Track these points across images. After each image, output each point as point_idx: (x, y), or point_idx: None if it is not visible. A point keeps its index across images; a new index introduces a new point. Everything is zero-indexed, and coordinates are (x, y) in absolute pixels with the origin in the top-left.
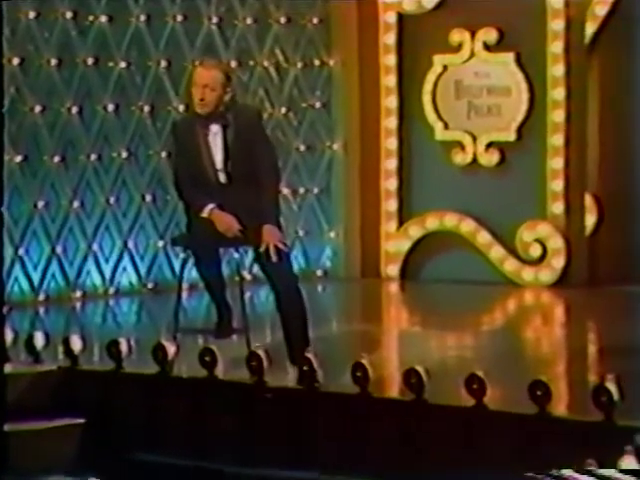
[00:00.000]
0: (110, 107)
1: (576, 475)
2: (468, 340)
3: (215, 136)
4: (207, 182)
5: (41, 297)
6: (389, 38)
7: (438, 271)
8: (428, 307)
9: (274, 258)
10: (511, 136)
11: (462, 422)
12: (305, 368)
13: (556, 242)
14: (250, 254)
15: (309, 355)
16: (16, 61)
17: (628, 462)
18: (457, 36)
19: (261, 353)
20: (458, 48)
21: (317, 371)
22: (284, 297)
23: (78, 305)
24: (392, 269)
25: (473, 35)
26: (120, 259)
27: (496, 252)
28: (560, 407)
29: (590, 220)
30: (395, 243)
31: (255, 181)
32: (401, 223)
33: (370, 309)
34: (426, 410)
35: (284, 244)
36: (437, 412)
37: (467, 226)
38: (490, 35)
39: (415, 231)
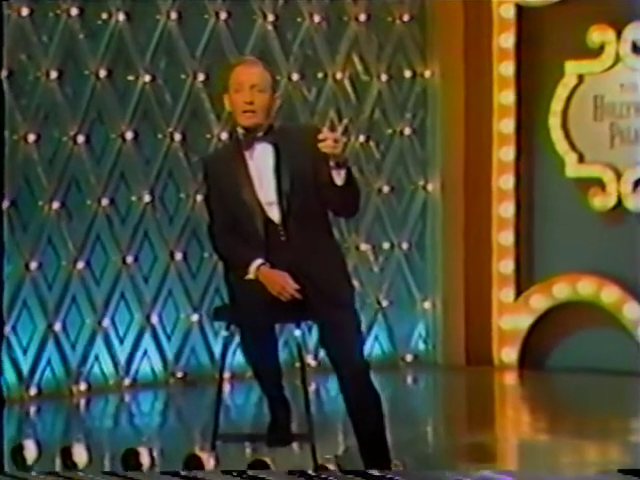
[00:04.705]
0: (129, 135)
1: None
2: (613, 453)
3: (261, 159)
4: (250, 226)
5: (32, 391)
6: (506, 40)
7: (570, 357)
8: (557, 406)
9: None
10: None
11: None
12: None
13: None
14: (315, 332)
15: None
16: (4, 74)
17: None
18: (597, 36)
19: (332, 467)
20: (598, 52)
21: None
22: (351, 387)
23: (82, 402)
24: (508, 353)
25: (619, 34)
26: (139, 339)
27: None
28: None
29: None
30: (512, 318)
31: (321, 222)
32: (520, 291)
33: (478, 408)
34: None
35: (352, 305)
36: None
37: (610, 295)
38: None
39: (539, 302)
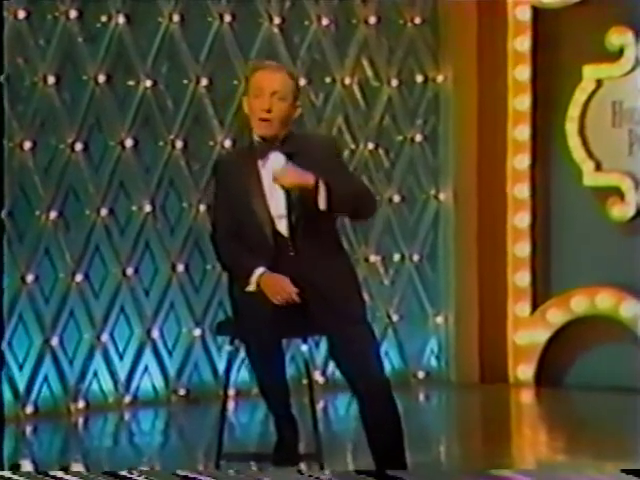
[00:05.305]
0: (129, 142)
1: None
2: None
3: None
4: (258, 237)
5: (29, 409)
6: (521, 43)
7: (588, 373)
8: (575, 425)
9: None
10: None
11: None
12: None
13: None
14: (323, 347)
15: None
16: (1, 78)
17: None
18: (616, 38)
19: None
20: (618, 55)
21: None
22: (368, 405)
23: (80, 420)
24: (524, 370)
25: (638, 37)
26: (140, 355)
27: None
28: None
29: None
30: (528, 333)
31: (330, 235)
32: (536, 305)
33: (493, 427)
34: None
35: (364, 319)
36: None
37: (629, 309)
38: None
39: (556, 316)
